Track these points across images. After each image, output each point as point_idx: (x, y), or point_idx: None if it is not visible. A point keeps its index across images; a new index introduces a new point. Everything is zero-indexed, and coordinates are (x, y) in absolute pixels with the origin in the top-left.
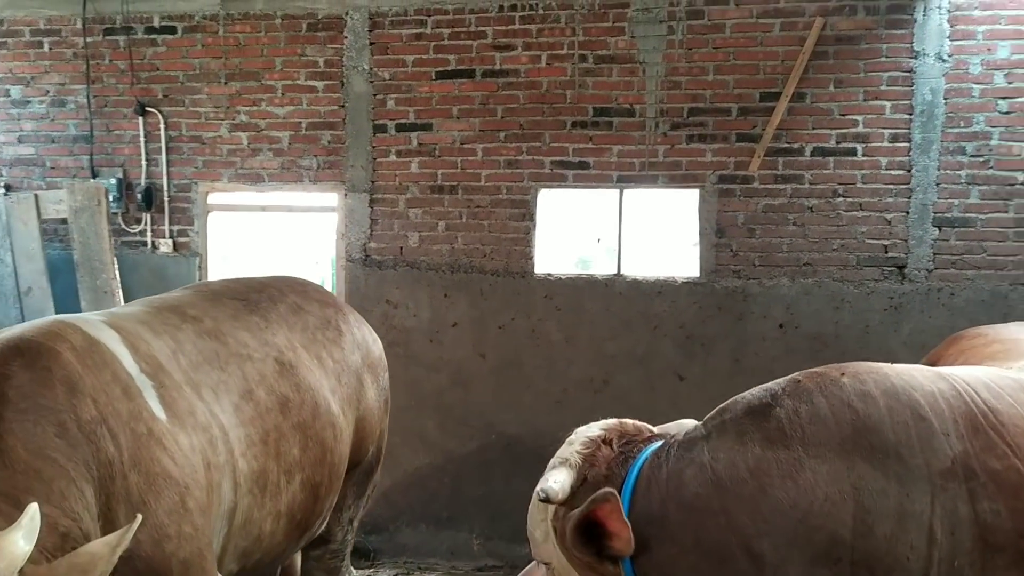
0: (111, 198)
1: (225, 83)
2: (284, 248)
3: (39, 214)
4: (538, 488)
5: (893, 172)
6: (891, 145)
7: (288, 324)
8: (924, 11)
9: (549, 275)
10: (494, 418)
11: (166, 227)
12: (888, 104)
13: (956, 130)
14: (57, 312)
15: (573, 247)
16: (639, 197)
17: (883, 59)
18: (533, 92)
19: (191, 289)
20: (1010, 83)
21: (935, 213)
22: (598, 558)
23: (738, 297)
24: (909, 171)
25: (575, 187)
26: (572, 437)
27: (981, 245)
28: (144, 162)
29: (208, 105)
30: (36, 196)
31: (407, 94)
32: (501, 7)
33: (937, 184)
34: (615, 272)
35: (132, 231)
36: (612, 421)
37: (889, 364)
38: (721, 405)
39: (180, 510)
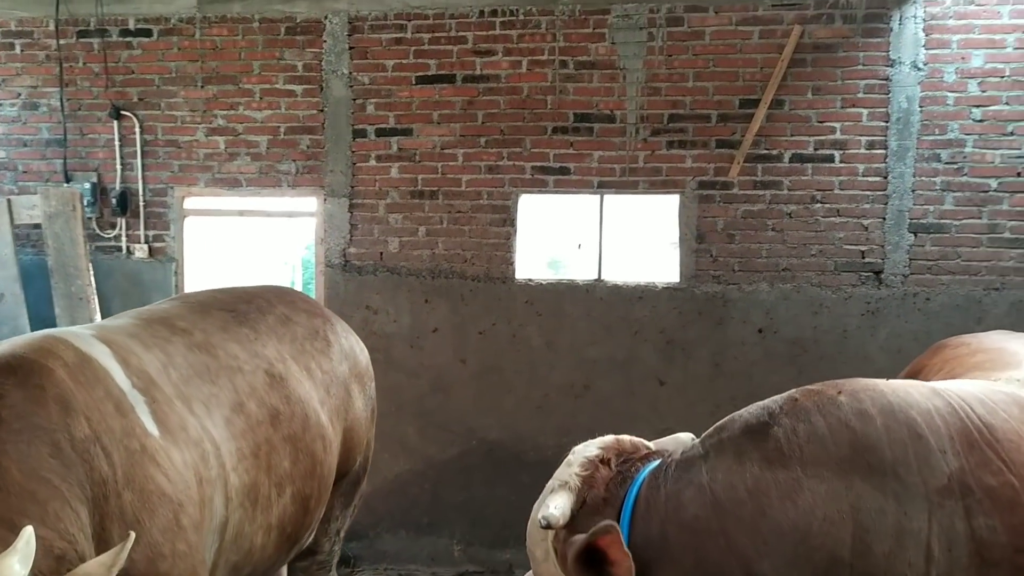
0: (85, 202)
1: (202, 87)
2: (257, 252)
3: (12, 219)
4: (539, 515)
5: (870, 179)
6: (868, 152)
7: (277, 335)
8: (900, 20)
9: (530, 280)
10: (475, 423)
11: (141, 232)
12: (865, 111)
13: (931, 137)
14: (30, 318)
15: (546, 249)
16: (620, 203)
17: (860, 67)
18: (514, 98)
19: (178, 300)
20: (983, 92)
21: (911, 219)
22: None
23: (718, 302)
24: (885, 178)
25: (556, 192)
26: (570, 457)
27: (956, 251)
28: (119, 166)
29: (184, 109)
30: (9, 201)
31: (387, 99)
32: (482, 12)
33: (913, 191)
34: (596, 277)
35: (107, 236)
36: (609, 438)
37: (885, 381)
38: (718, 423)
39: (174, 528)
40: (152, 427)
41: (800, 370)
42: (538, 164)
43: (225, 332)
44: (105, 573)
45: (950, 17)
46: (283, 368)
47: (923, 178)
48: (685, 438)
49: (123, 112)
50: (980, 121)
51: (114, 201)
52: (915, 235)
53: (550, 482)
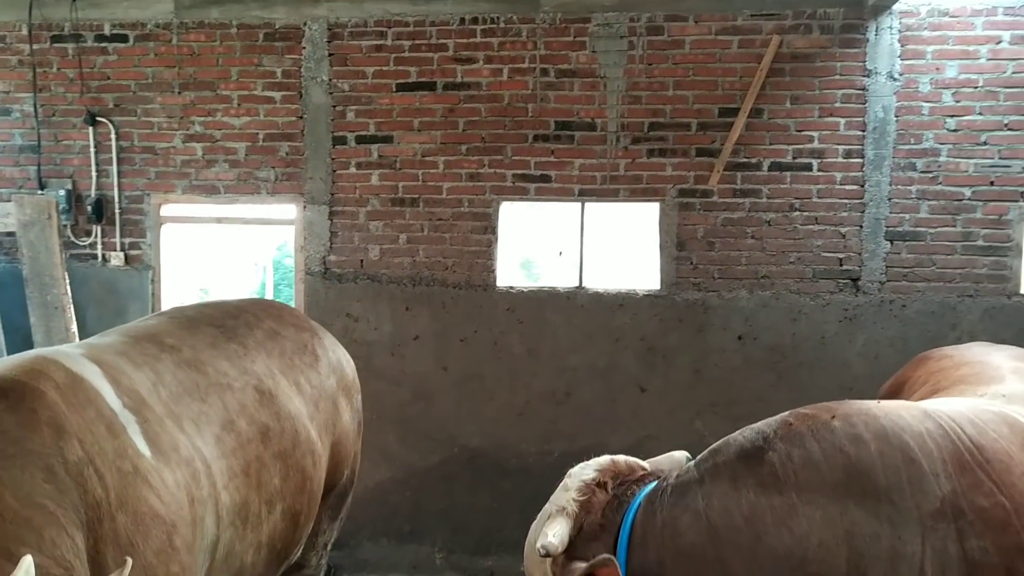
0: (60, 210)
1: (179, 93)
2: (231, 258)
3: None
4: (538, 544)
5: (847, 187)
6: (845, 161)
7: (266, 351)
8: (876, 31)
9: (511, 288)
10: (456, 431)
11: (117, 239)
12: (842, 121)
13: (907, 147)
14: (4, 327)
15: (521, 255)
16: (600, 210)
17: (837, 77)
18: (495, 105)
19: (166, 316)
20: (957, 102)
21: (887, 227)
22: None
23: (698, 309)
24: (862, 186)
25: (537, 200)
26: (567, 481)
27: (931, 258)
28: (94, 173)
29: (161, 115)
30: None
31: (367, 106)
32: (462, 19)
33: (889, 199)
34: (577, 285)
35: (82, 244)
36: (605, 460)
37: (877, 403)
38: (713, 446)
39: (168, 549)
40: (144, 448)
41: (779, 376)
42: (519, 172)
43: (214, 348)
44: None
45: (925, 28)
46: (272, 384)
47: (899, 187)
48: (680, 457)
49: (98, 118)
50: (954, 131)
51: (89, 208)
52: (891, 243)
53: (547, 506)
